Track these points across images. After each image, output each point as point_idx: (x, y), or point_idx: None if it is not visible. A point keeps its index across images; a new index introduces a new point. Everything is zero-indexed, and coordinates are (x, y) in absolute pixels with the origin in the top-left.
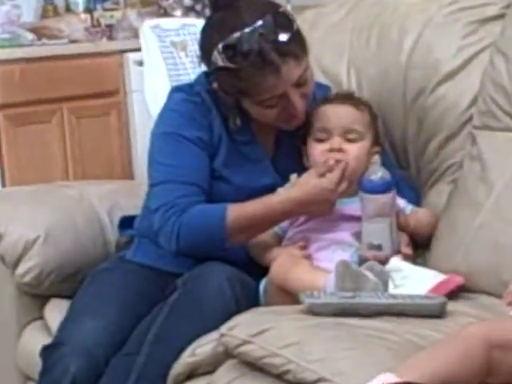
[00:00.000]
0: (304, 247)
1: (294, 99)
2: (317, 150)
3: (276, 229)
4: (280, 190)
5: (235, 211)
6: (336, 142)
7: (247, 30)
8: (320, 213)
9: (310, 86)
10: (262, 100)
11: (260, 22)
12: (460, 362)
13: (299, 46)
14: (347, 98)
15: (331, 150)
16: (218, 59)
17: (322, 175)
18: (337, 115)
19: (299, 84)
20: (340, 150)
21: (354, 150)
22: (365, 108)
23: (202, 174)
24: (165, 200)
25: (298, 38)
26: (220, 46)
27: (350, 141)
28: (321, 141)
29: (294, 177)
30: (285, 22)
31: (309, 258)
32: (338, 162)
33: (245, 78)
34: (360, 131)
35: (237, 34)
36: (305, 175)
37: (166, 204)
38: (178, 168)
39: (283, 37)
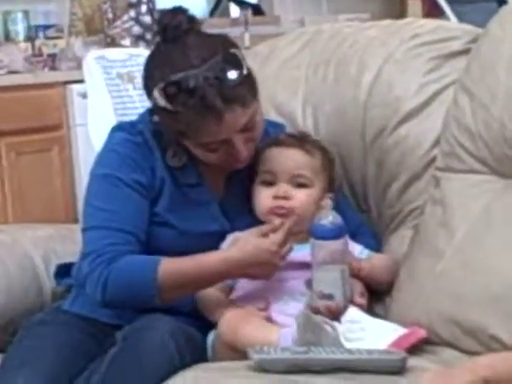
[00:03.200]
0: (264, 309)
1: (238, 145)
2: (262, 195)
3: None
4: (222, 247)
5: (168, 266)
6: (282, 188)
7: (191, 71)
8: (261, 276)
9: (258, 130)
10: (202, 143)
11: (206, 65)
12: None
13: (248, 91)
14: (298, 140)
15: (276, 197)
16: (158, 98)
17: (265, 235)
18: (283, 159)
19: (246, 129)
20: (286, 198)
21: (302, 197)
22: (317, 152)
23: (137, 220)
24: (94, 247)
25: (247, 82)
26: (161, 84)
27: (298, 185)
28: (267, 184)
29: (232, 236)
30: (234, 64)
31: (268, 318)
32: (284, 216)
33: (184, 121)
34: (308, 177)
35: (180, 75)
36: (246, 234)
37: (95, 251)
38: (111, 213)
39: (230, 82)
